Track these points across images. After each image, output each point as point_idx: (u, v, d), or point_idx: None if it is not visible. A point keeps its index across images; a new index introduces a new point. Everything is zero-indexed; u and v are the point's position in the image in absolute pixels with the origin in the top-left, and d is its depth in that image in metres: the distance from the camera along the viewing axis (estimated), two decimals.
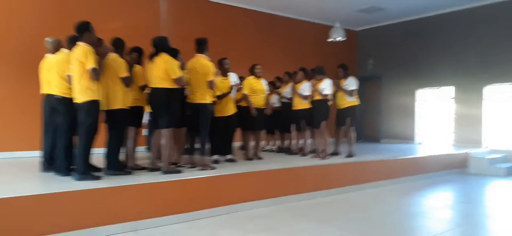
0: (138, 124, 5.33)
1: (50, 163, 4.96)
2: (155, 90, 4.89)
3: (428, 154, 8.39)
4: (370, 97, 12.31)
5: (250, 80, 6.50)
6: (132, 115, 5.14)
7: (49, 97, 4.82)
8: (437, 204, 5.67)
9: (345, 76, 7.15)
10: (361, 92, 12.17)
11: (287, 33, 10.71)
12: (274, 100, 7.65)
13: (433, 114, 10.93)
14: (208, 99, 5.31)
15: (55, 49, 4.90)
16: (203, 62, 5.25)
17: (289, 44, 10.71)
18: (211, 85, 5.25)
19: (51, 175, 4.76)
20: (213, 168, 5.29)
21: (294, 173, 5.63)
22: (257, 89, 6.44)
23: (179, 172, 4.96)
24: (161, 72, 4.79)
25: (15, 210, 3.56)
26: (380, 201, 5.75)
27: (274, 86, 7.77)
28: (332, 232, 4.18)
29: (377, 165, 6.86)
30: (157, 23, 8.40)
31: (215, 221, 4.51)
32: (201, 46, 5.36)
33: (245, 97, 6.40)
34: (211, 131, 5.95)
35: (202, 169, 5.20)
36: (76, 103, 4.37)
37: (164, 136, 4.92)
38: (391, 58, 11.64)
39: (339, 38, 9.21)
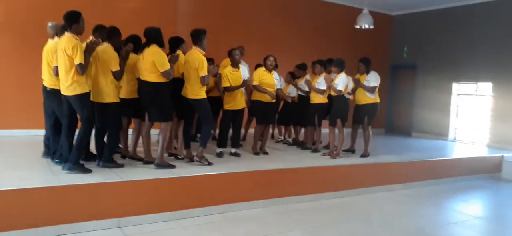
0: (141, 115, 5.23)
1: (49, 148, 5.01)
2: (143, 83, 4.78)
3: (454, 157, 7.83)
4: (403, 87, 11.65)
5: (260, 71, 6.20)
6: (133, 107, 5.09)
7: (43, 85, 4.82)
8: (453, 218, 5.22)
9: (367, 72, 6.69)
10: (393, 81, 11.72)
11: (313, 18, 10.16)
12: (291, 91, 7.33)
13: (469, 110, 10.15)
14: (201, 94, 5.12)
15: (53, 35, 4.84)
16: (196, 56, 5.03)
17: (315, 30, 10.18)
18: (203, 81, 5.02)
19: (46, 163, 4.80)
20: (210, 164, 5.15)
21: (295, 173, 5.36)
22: (266, 83, 6.09)
23: (172, 167, 4.86)
24: (148, 64, 4.65)
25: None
26: (386, 209, 5.36)
27: (293, 76, 7.43)
28: None
29: (391, 168, 6.41)
30: (172, 4, 8.26)
31: (204, 222, 4.38)
32: (196, 38, 5.12)
33: (256, 88, 6.14)
34: (217, 123, 5.79)
35: (199, 161, 5.12)
36: (65, 95, 4.32)
37: (161, 129, 4.84)
38: (427, 47, 10.83)
39: (366, 26, 8.62)
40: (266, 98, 6.14)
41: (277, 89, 6.35)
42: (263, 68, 6.23)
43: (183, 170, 4.82)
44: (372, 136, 6.82)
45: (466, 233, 4.72)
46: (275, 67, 6.37)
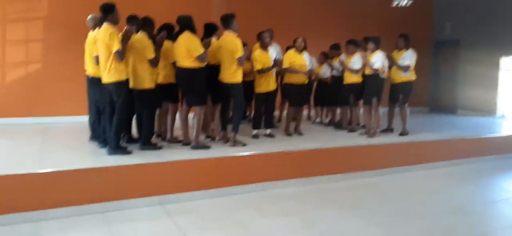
0: (174, 100, 5.43)
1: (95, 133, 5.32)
2: (179, 69, 4.95)
3: (499, 134, 7.47)
4: (446, 64, 11.17)
5: (290, 53, 6.20)
6: (167, 92, 5.28)
7: (86, 74, 5.11)
8: (497, 196, 5.03)
9: (406, 48, 6.51)
10: (436, 58, 11.27)
11: None
12: (324, 71, 7.28)
13: None
14: (237, 77, 5.21)
15: (93, 27, 5.09)
16: (230, 39, 5.13)
17: (349, 10, 9.89)
18: (240, 61, 5.12)
19: (93, 146, 5.12)
20: (244, 145, 5.27)
21: (329, 153, 5.37)
22: (296, 64, 6.10)
23: (207, 147, 5.04)
24: (183, 50, 4.82)
25: (49, 181, 3.92)
26: (425, 188, 5.24)
27: (326, 56, 7.36)
28: (356, 222, 3.95)
29: (430, 146, 6.24)
30: None
31: (240, 199, 4.51)
32: (226, 22, 5.21)
33: (287, 70, 6.18)
34: (250, 106, 5.85)
35: (233, 145, 5.22)
36: (105, 83, 4.57)
37: (196, 113, 5.01)
38: (471, 20, 10.29)
39: (404, 2, 8.32)
40: (298, 80, 6.15)
41: (308, 69, 6.29)
42: (293, 50, 6.23)
43: (219, 151, 4.97)
44: (409, 114, 6.65)
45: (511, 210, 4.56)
46: (304, 48, 6.32)
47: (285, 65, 6.14)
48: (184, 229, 3.68)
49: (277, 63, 5.98)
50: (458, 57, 10.76)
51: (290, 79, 6.20)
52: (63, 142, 5.48)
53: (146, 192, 4.28)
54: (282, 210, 4.23)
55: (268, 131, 6.08)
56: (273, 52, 6.06)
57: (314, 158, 5.25)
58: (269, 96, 5.97)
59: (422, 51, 10.84)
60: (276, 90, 6.08)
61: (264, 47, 5.85)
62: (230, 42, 5.10)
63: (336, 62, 7.08)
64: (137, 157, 4.54)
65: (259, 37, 5.93)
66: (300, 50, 6.18)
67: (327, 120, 7.74)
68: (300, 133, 6.36)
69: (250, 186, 4.74)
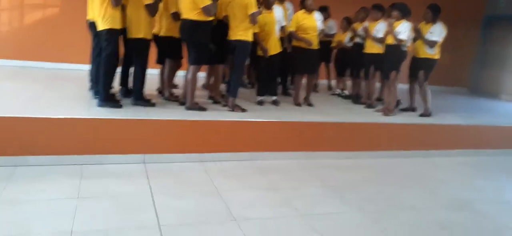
0: (174, 55, 5.20)
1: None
2: (183, 21, 4.65)
3: None
4: (496, 42, 10.12)
5: (299, 15, 5.66)
6: (168, 46, 5.06)
7: (89, 21, 4.97)
8: (502, 196, 4.49)
9: (433, 21, 5.83)
10: (485, 34, 10.22)
11: None
12: (346, 40, 6.73)
13: None
14: (248, 36, 4.86)
15: None
16: None
17: None
18: (253, 19, 4.75)
19: (88, 97, 5.06)
20: (244, 111, 4.99)
21: (329, 128, 4.98)
22: (307, 27, 5.58)
23: (203, 109, 4.82)
24: (188, 1, 4.48)
25: (29, 128, 3.89)
26: (433, 175, 4.74)
27: (348, 22, 6.78)
28: (339, 206, 3.63)
29: (449, 130, 5.65)
30: None
31: (225, 167, 4.29)
32: None
33: (292, 36, 5.71)
34: (255, 71, 5.50)
35: (232, 111, 4.96)
36: (99, 30, 4.40)
37: (190, 71, 4.76)
38: None
39: None
40: (304, 45, 5.65)
41: (319, 31, 5.74)
42: (302, 11, 5.70)
43: (213, 114, 4.74)
44: (430, 93, 6.05)
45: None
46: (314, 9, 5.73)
47: (292, 28, 5.67)
48: (155, 191, 3.53)
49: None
50: (510, 36, 9.70)
51: (298, 42, 5.72)
52: (63, 90, 5.46)
53: (129, 149, 4.16)
54: (264, 183, 3.98)
55: (273, 98, 5.74)
56: (279, 13, 5.60)
57: (313, 132, 4.89)
58: (273, 61, 5.56)
59: (470, 26, 9.92)
60: (280, 54, 5.64)
61: (268, 5, 5.39)
62: None
63: (359, 28, 6.50)
64: (125, 112, 4.41)
65: None
66: (311, 10, 5.64)
67: (346, 92, 7.26)
68: (310, 104, 5.95)
69: (239, 154, 4.51)
